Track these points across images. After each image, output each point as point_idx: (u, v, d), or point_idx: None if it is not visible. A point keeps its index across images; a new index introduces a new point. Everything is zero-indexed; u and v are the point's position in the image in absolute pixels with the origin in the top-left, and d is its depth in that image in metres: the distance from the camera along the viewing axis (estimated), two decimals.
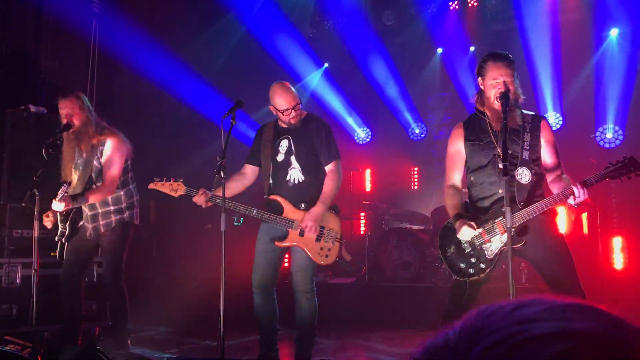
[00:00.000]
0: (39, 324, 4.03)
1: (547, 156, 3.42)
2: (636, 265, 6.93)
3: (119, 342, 4.41)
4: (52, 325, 4.89)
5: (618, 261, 7.00)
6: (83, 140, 4.41)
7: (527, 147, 3.35)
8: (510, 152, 3.27)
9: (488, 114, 3.43)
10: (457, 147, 3.54)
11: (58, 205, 4.14)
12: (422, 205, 9.38)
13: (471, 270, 3.34)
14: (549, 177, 3.41)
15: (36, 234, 4.11)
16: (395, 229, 7.92)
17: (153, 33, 7.71)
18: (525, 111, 3.48)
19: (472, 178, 3.50)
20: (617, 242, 7.05)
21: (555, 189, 3.33)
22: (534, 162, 3.37)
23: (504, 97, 3.24)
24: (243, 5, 8.75)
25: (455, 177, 3.57)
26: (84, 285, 4.52)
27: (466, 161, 3.53)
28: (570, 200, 3.15)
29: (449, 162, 3.60)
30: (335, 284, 7.59)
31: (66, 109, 4.36)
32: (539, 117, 3.47)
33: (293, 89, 4.08)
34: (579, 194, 3.08)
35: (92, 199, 4.27)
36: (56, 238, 4.37)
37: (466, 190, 3.61)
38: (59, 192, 4.16)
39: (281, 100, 4.00)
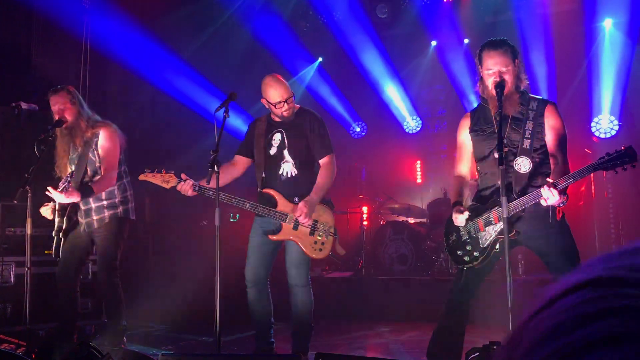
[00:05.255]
0: (33, 323, 4.00)
1: (548, 142, 3.29)
2: None
3: (115, 339, 4.37)
4: (47, 324, 4.86)
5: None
6: (77, 135, 4.37)
7: (529, 136, 3.26)
8: (509, 141, 3.24)
9: (489, 102, 3.40)
10: (463, 137, 3.56)
11: (60, 197, 4.09)
12: (419, 198, 9.37)
13: (466, 258, 3.38)
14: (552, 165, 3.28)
15: (29, 231, 4.07)
16: (392, 222, 7.91)
17: (144, 28, 7.65)
18: (533, 96, 3.39)
19: (478, 168, 3.50)
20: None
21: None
22: (536, 151, 3.28)
23: (499, 86, 3.19)
24: None
25: (462, 167, 3.58)
26: (79, 282, 4.48)
27: (473, 152, 3.52)
28: (542, 202, 3.04)
29: (457, 153, 3.63)
30: (332, 278, 7.57)
31: (57, 105, 4.33)
32: (545, 102, 3.34)
33: (285, 81, 4.04)
34: (547, 197, 2.97)
35: (97, 190, 4.23)
36: (53, 233, 4.32)
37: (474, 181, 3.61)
38: (60, 184, 4.10)
39: (274, 93, 3.95)
